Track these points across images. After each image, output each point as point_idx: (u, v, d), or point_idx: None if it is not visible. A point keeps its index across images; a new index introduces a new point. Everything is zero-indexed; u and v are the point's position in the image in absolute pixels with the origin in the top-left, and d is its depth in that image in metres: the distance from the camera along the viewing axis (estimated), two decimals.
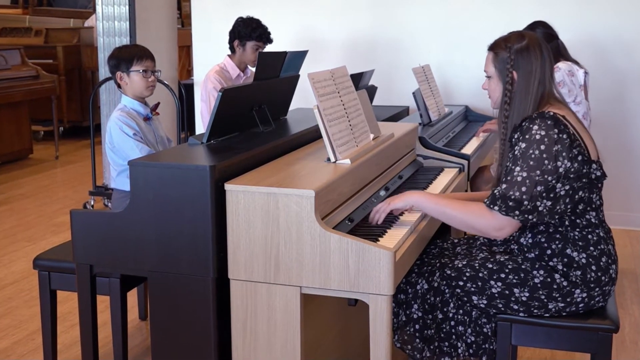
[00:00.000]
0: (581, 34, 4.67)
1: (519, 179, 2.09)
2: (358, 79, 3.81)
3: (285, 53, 2.96)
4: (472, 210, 2.19)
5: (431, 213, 2.31)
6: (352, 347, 2.77)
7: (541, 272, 2.21)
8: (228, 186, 2.12)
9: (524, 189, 2.08)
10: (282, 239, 2.07)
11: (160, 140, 3.17)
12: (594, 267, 2.19)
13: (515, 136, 2.17)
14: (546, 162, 2.09)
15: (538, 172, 2.08)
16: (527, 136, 2.13)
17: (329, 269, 2.03)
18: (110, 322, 2.71)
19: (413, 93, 3.92)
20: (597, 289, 2.21)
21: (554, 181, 2.09)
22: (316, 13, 5.30)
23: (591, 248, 2.20)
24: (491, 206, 2.13)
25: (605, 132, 4.58)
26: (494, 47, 2.32)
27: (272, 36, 4.30)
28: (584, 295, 2.20)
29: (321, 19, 5.28)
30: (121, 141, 2.97)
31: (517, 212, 2.09)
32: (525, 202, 2.08)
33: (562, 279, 2.19)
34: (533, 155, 2.09)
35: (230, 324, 2.19)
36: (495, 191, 2.13)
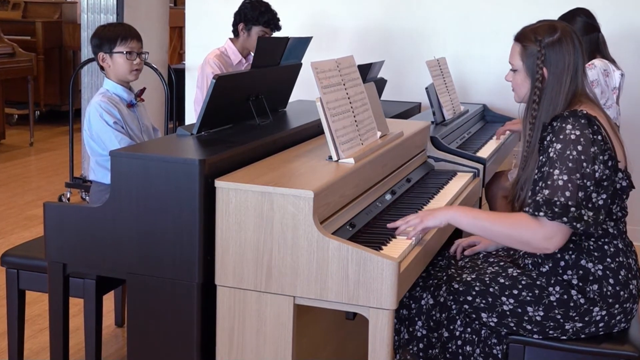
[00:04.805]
0: (616, 27, 4.62)
1: (560, 182, 2.09)
2: (366, 71, 3.82)
3: (287, 39, 2.97)
4: (515, 221, 2.17)
5: (468, 229, 2.28)
6: None
7: (557, 288, 2.22)
8: (218, 183, 2.13)
9: (567, 193, 2.08)
10: (275, 244, 2.08)
11: (145, 129, 3.17)
12: (611, 281, 2.21)
13: (548, 138, 2.17)
14: (584, 164, 2.09)
15: (578, 175, 2.08)
16: (561, 136, 2.13)
17: (326, 279, 2.04)
18: (83, 328, 2.72)
19: (426, 88, 3.93)
20: (616, 306, 2.22)
21: (592, 187, 2.09)
22: None
23: (608, 260, 2.21)
24: (536, 213, 2.10)
25: (633, 138, 4.56)
26: (522, 39, 2.30)
27: (280, 23, 4.28)
28: (604, 313, 2.21)
29: (328, 3, 5.28)
30: (100, 130, 2.97)
31: (564, 219, 2.08)
32: (573, 209, 2.07)
33: (579, 296, 2.20)
34: (571, 157, 2.10)
35: (216, 334, 2.19)
36: (538, 197, 2.10)
